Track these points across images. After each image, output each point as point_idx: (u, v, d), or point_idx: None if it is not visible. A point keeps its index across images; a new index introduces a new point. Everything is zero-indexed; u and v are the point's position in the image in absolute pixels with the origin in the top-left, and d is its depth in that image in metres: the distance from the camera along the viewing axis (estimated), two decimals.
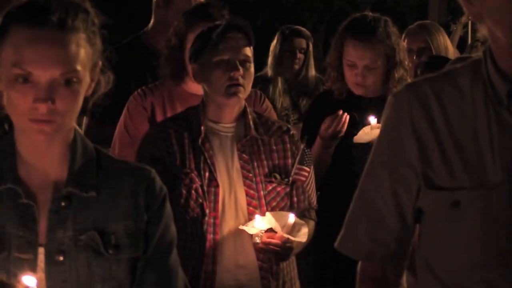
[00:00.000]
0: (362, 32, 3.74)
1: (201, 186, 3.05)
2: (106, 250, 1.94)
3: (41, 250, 1.93)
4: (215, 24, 3.15)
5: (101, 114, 3.87)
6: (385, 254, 1.99)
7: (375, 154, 1.98)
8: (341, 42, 3.80)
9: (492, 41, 1.85)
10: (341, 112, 3.70)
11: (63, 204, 1.94)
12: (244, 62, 3.08)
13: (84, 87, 1.94)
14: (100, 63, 2.00)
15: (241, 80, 3.06)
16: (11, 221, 1.92)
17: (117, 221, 1.96)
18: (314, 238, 3.22)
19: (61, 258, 1.92)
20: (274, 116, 3.66)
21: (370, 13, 3.86)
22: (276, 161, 3.14)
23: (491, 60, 1.86)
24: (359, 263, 2.06)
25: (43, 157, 1.97)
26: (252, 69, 3.12)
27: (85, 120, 4.17)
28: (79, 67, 1.88)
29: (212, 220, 3.04)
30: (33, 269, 1.91)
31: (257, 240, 3.01)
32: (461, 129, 1.87)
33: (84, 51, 1.90)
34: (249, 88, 3.13)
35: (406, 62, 3.88)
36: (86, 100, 1.99)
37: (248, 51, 3.11)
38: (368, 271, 2.04)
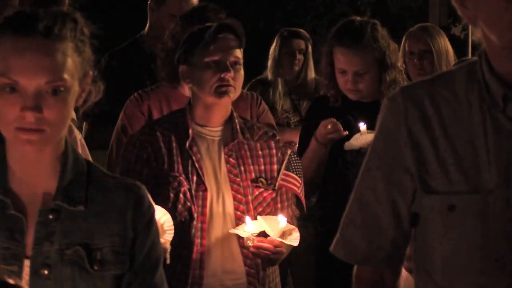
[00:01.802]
0: (348, 39, 3.72)
1: (189, 189, 3.03)
2: (91, 265, 1.92)
3: (26, 263, 1.91)
4: (205, 25, 3.13)
5: (101, 118, 3.90)
6: (381, 258, 1.98)
7: (370, 158, 1.97)
8: (330, 50, 3.80)
9: (487, 44, 1.84)
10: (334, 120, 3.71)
11: (50, 217, 1.92)
12: (235, 63, 3.07)
13: (73, 96, 1.92)
14: (91, 73, 1.98)
15: (231, 82, 3.04)
16: None
17: (104, 237, 1.94)
18: (312, 241, 3.21)
19: (46, 272, 1.90)
20: (271, 119, 3.65)
21: (358, 18, 3.85)
22: (262, 167, 3.13)
23: (486, 63, 1.85)
24: (355, 268, 2.04)
25: (33, 169, 1.95)
26: (242, 71, 3.10)
27: (85, 125, 4.17)
28: (66, 76, 1.87)
29: (199, 225, 3.02)
30: (17, 281, 1.89)
31: (249, 243, 3.00)
32: (456, 132, 1.86)
33: (71, 60, 1.89)
34: (239, 90, 3.11)
35: (399, 64, 3.87)
36: (77, 110, 1.97)
37: (239, 53, 3.09)
38: (364, 276, 2.03)
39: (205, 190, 3.04)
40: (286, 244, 3.02)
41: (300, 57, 5.54)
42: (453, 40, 6.71)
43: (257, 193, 3.10)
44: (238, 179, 3.08)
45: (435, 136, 1.87)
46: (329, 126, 3.70)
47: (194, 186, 3.03)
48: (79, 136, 3.00)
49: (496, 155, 1.82)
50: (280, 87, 5.45)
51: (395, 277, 2.04)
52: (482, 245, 1.82)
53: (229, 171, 3.08)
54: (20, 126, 1.85)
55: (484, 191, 1.82)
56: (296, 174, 3.17)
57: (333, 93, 3.85)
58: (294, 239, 3.04)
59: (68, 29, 1.89)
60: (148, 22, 4.43)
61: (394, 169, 1.91)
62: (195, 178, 3.04)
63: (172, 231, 2.87)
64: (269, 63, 5.55)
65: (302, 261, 4.27)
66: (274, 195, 3.13)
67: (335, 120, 3.71)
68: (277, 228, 3.02)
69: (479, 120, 1.85)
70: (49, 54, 1.85)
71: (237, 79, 3.07)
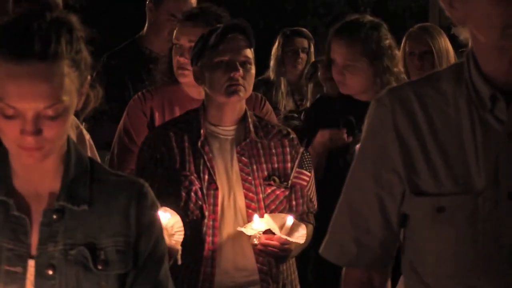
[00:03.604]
0: (343, 30, 3.74)
1: (201, 188, 3.05)
2: (95, 265, 1.92)
3: (31, 263, 1.91)
4: (216, 26, 3.14)
5: (100, 118, 3.91)
6: (370, 260, 1.98)
7: (358, 160, 1.97)
8: (329, 41, 3.81)
9: (475, 44, 1.84)
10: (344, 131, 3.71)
11: (54, 217, 1.92)
12: (245, 63, 3.09)
13: (72, 110, 1.90)
14: (88, 77, 1.94)
15: (241, 81, 3.07)
16: (2, 234, 1.90)
17: (108, 236, 1.94)
18: (313, 242, 3.21)
19: (51, 272, 1.91)
20: (274, 120, 3.65)
21: (369, 17, 3.84)
22: (276, 165, 3.15)
23: (474, 63, 1.85)
24: (344, 269, 2.04)
25: (36, 172, 1.95)
26: (253, 70, 3.14)
27: (83, 124, 4.17)
28: (64, 97, 1.84)
29: (211, 223, 3.04)
30: (22, 282, 1.90)
31: (255, 241, 3.02)
32: (445, 133, 1.86)
33: (68, 78, 1.85)
34: (250, 89, 3.13)
35: (396, 69, 3.83)
36: (77, 114, 1.96)
37: (249, 53, 3.12)
38: (353, 277, 2.03)
39: (216, 189, 3.06)
40: (293, 242, 3.03)
41: (303, 55, 5.54)
42: (453, 40, 6.69)
43: (269, 191, 3.12)
44: (250, 178, 3.10)
45: (423, 137, 1.87)
46: (327, 135, 3.71)
47: (205, 185, 3.05)
48: (87, 136, 3.01)
49: (485, 156, 1.82)
50: (282, 87, 5.45)
51: (384, 278, 2.03)
52: (472, 246, 1.82)
53: (241, 170, 3.10)
54: (21, 145, 1.85)
55: (473, 192, 1.82)
56: (308, 171, 3.19)
57: (328, 85, 3.86)
58: (300, 237, 3.06)
59: (63, 44, 1.84)
60: (146, 23, 4.43)
61: (382, 170, 1.91)
62: (206, 177, 3.06)
63: (182, 232, 2.89)
64: (272, 63, 5.55)
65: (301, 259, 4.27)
66: (287, 192, 3.15)
67: (335, 131, 3.72)
68: (283, 226, 3.04)
69: (467, 120, 1.85)
70: (47, 79, 1.81)
71: (247, 78, 3.09)
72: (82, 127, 3.03)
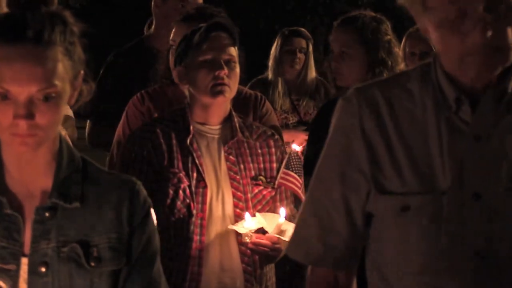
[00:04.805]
0: (344, 20, 3.76)
1: (189, 186, 3.03)
2: (88, 262, 1.94)
3: (24, 261, 1.93)
4: (198, 26, 3.13)
5: (105, 116, 3.90)
6: (336, 259, 1.98)
7: (324, 158, 1.97)
8: (332, 34, 3.83)
9: (438, 51, 1.86)
10: None
11: (47, 215, 1.94)
12: (229, 61, 3.08)
13: (65, 99, 1.92)
14: (82, 72, 1.97)
15: (226, 80, 3.05)
16: None
17: (100, 234, 1.96)
18: None
19: (44, 270, 1.92)
20: (274, 120, 3.64)
21: (372, 13, 3.84)
22: (262, 165, 3.14)
23: (440, 65, 1.87)
24: (309, 268, 2.05)
25: (28, 168, 1.96)
26: (238, 69, 3.11)
27: (88, 123, 4.17)
28: (57, 82, 1.87)
29: (199, 221, 3.03)
30: (15, 280, 1.91)
31: (247, 239, 3.02)
32: (411, 133, 1.87)
33: (62, 64, 1.88)
34: (235, 88, 3.12)
35: (391, 63, 3.81)
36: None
37: (233, 51, 3.10)
38: (318, 276, 2.03)
39: (205, 187, 3.05)
40: (285, 241, 3.03)
41: (301, 55, 5.53)
42: None
43: (256, 191, 3.11)
44: (238, 177, 3.08)
45: (390, 136, 1.87)
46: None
47: (194, 182, 3.03)
48: (63, 132, 2.99)
49: (450, 156, 1.83)
50: (280, 86, 5.44)
51: (350, 278, 2.04)
52: (436, 246, 1.82)
53: (229, 169, 3.09)
54: (14, 132, 1.87)
55: (438, 192, 1.83)
56: (296, 174, 3.18)
57: (332, 77, 3.90)
58: None
59: (57, 33, 1.88)
60: (154, 22, 4.41)
61: (348, 169, 1.91)
62: (195, 174, 3.04)
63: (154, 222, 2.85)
64: (270, 62, 5.55)
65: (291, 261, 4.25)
66: (273, 193, 3.15)
67: None
68: (275, 225, 3.04)
69: (433, 120, 1.85)
70: (40, 62, 1.85)
71: (232, 77, 3.07)
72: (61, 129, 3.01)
